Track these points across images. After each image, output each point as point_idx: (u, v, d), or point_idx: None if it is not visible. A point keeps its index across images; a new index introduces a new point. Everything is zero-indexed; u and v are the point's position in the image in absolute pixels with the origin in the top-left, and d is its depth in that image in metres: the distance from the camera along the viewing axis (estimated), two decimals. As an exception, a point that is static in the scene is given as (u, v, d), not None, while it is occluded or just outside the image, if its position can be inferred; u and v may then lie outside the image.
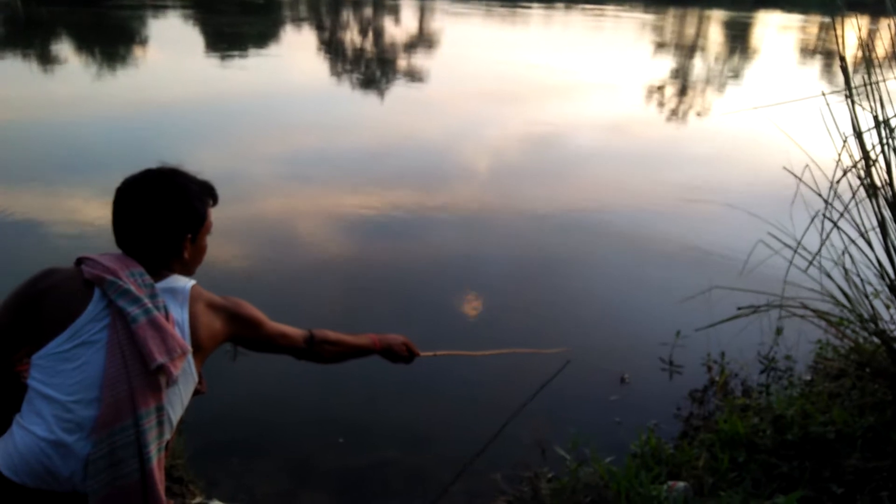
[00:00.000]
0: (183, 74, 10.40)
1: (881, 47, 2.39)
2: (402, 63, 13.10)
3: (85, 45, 12.86)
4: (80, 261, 1.46)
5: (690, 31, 22.32)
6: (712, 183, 6.33)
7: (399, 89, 10.47)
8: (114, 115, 7.62)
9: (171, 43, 13.47)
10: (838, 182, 2.29)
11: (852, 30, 2.39)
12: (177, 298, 1.47)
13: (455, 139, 7.69)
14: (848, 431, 2.20)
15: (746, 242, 2.68)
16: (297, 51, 13.85)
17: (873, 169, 2.23)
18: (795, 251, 2.37)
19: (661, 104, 10.44)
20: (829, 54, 16.20)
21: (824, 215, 2.30)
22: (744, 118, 8.19)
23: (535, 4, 26.11)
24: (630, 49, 16.71)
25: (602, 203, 5.72)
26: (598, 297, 4.17)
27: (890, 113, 2.22)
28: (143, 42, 13.51)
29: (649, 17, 24.97)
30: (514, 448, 2.71)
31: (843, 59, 2.28)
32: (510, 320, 3.79)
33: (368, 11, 22.10)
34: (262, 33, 15.63)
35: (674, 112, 9.96)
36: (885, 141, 2.20)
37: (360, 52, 14.35)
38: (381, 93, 10.22)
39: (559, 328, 3.75)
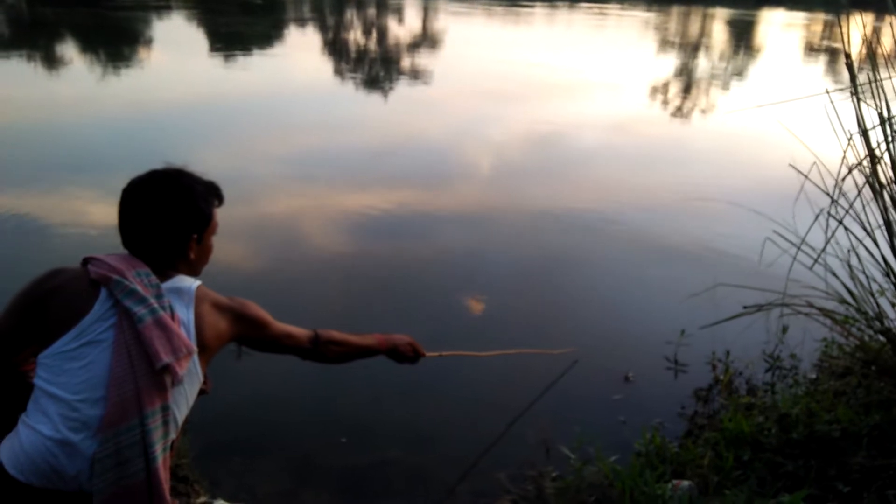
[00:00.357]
0: (188, 75, 10.42)
1: (886, 44, 2.38)
2: (405, 62, 13.10)
3: (89, 45, 12.89)
4: (86, 261, 1.46)
5: (694, 29, 22.27)
6: (717, 181, 6.32)
7: (402, 89, 10.47)
8: (119, 116, 7.63)
9: (176, 43, 13.49)
10: (843, 180, 2.29)
11: (857, 27, 2.38)
12: (182, 299, 1.47)
13: (459, 138, 7.69)
14: (854, 430, 2.19)
15: (751, 241, 2.68)
16: (300, 51, 13.86)
17: (879, 166, 2.22)
18: (800, 249, 2.37)
19: (664, 103, 10.42)
20: (833, 52, 16.15)
21: (829, 213, 2.29)
22: (748, 116, 8.17)
23: (538, 4, 26.08)
24: (633, 48, 16.68)
25: (606, 202, 5.71)
26: (603, 295, 4.17)
27: (895, 110, 2.21)
28: (148, 42, 13.54)
29: (652, 16, 24.92)
30: (518, 447, 2.71)
31: (848, 56, 2.27)
32: (515, 320, 3.79)
33: (371, 11, 22.10)
34: (265, 33, 15.65)
35: (678, 110, 9.94)
36: (890, 138, 2.19)
37: (363, 52, 14.36)
38: (385, 92, 10.22)
39: (563, 327, 3.74)
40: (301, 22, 18.86)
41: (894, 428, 2.15)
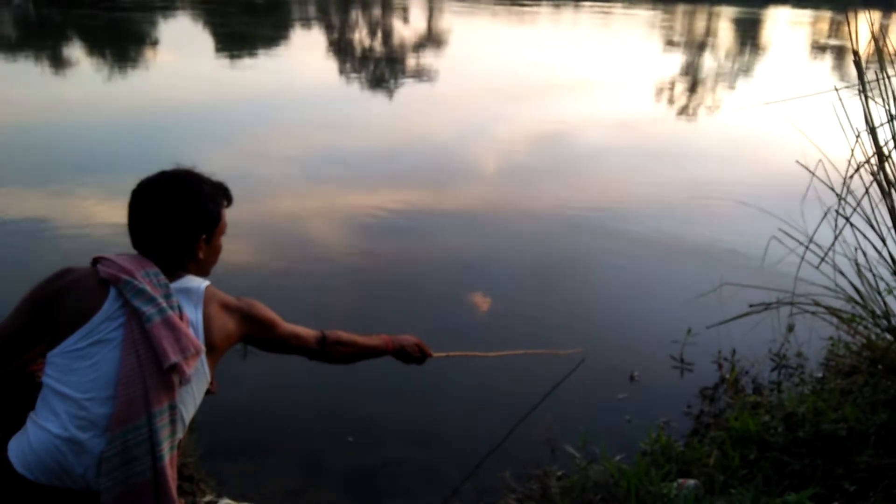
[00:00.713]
0: (194, 75, 10.45)
1: (894, 42, 2.37)
2: (410, 62, 13.11)
3: (96, 46, 12.94)
4: (95, 261, 1.47)
5: (699, 27, 22.19)
6: (723, 179, 6.30)
7: (408, 88, 10.47)
8: (127, 117, 7.66)
9: (182, 44, 13.53)
10: (851, 178, 2.28)
11: (865, 24, 2.37)
12: (191, 299, 1.48)
13: (466, 138, 7.68)
14: (860, 428, 2.18)
15: (758, 239, 2.67)
16: (306, 51, 13.88)
17: (887, 164, 2.21)
18: (807, 247, 2.36)
19: (671, 101, 10.38)
20: (840, 50, 16.07)
21: (837, 211, 2.29)
22: (755, 114, 8.13)
23: (543, 3, 26.04)
24: (639, 46, 16.63)
25: (612, 200, 5.70)
26: (609, 294, 4.16)
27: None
28: (154, 43, 13.58)
29: (657, 15, 24.84)
30: (523, 446, 2.71)
31: (856, 53, 2.26)
32: (521, 319, 3.79)
33: (376, 11, 22.11)
34: (270, 34, 15.68)
35: (684, 109, 9.91)
36: (898, 136, 2.18)
37: (369, 52, 14.36)
38: (390, 92, 10.23)
39: (569, 327, 3.74)
40: (306, 22, 18.89)
41: (902, 427, 2.15)
